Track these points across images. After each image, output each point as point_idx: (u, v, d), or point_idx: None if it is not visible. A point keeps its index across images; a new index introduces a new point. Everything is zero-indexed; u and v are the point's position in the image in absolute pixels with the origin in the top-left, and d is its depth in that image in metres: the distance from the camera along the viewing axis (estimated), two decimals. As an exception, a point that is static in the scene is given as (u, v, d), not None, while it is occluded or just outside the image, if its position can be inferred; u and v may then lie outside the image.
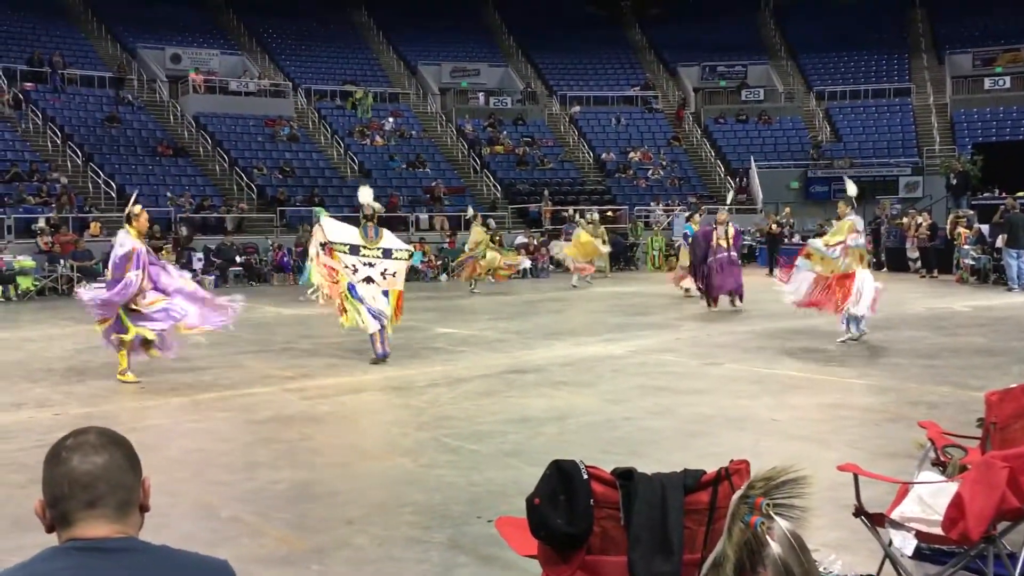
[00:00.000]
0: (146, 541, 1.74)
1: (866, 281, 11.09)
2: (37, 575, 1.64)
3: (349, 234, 10.36)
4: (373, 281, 10.20)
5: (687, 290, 17.12)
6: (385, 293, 10.29)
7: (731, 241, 15.39)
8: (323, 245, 10.33)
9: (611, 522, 2.50)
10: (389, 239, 10.56)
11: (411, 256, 11.04)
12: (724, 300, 15.36)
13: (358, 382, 9.14)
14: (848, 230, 11.24)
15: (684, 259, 17.38)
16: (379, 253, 10.28)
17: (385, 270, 10.29)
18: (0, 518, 5.09)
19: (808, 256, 11.46)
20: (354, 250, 10.23)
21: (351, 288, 10.10)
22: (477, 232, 20.00)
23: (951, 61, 36.83)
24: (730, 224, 15.65)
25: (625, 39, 42.29)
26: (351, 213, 27.16)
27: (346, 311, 10.09)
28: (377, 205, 10.95)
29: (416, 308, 16.72)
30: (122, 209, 23.81)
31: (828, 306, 11.25)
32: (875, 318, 12.90)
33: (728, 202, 16.28)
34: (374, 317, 10.03)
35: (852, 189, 11.96)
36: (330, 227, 10.47)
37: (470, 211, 22.14)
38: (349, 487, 5.56)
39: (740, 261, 15.49)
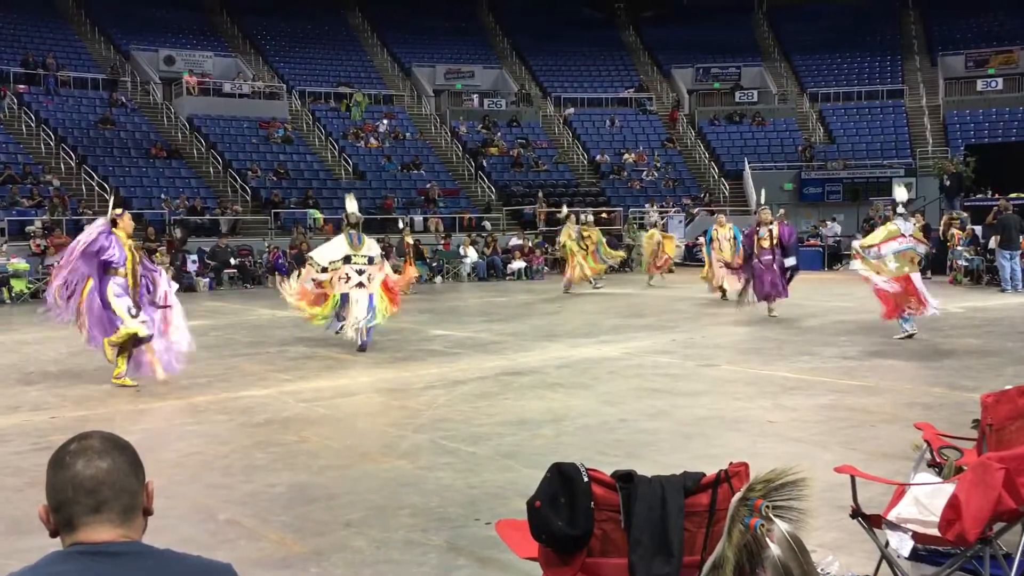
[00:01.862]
0: (150, 545, 1.75)
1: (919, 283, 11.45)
2: (43, 579, 1.65)
3: (340, 248, 11.44)
4: (364, 286, 11.27)
5: (723, 293, 16.80)
6: (371, 296, 11.28)
7: (775, 242, 14.23)
8: (316, 281, 11.39)
9: (611, 524, 2.52)
10: (371, 246, 11.70)
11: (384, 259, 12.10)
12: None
13: (355, 384, 9.14)
14: (886, 235, 11.36)
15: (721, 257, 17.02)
16: (365, 260, 11.41)
17: (370, 275, 11.39)
18: (-3, 522, 5.08)
19: (859, 259, 11.68)
20: (347, 259, 11.32)
21: (343, 298, 11.21)
22: (565, 232, 19.88)
23: (944, 63, 36.96)
24: (775, 224, 14.46)
25: (619, 41, 42.35)
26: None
27: (315, 316, 11.47)
28: (360, 215, 12.09)
29: (411, 310, 16.73)
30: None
31: (888, 304, 11.47)
32: (870, 319, 12.97)
33: (763, 201, 15.89)
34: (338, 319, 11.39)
35: (900, 195, 11.97)
36: (321, 254, 11.53)
37: (564, 210, 21.67)
38: (347, 490, 5.56)
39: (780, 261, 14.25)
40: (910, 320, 11.56)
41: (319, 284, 11.31)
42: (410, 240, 19.11)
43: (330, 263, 11.27)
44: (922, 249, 11.85)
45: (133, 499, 1.76)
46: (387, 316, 11.56)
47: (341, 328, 11.40)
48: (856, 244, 12.01)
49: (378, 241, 21.64)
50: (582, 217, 22.58)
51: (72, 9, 35.42)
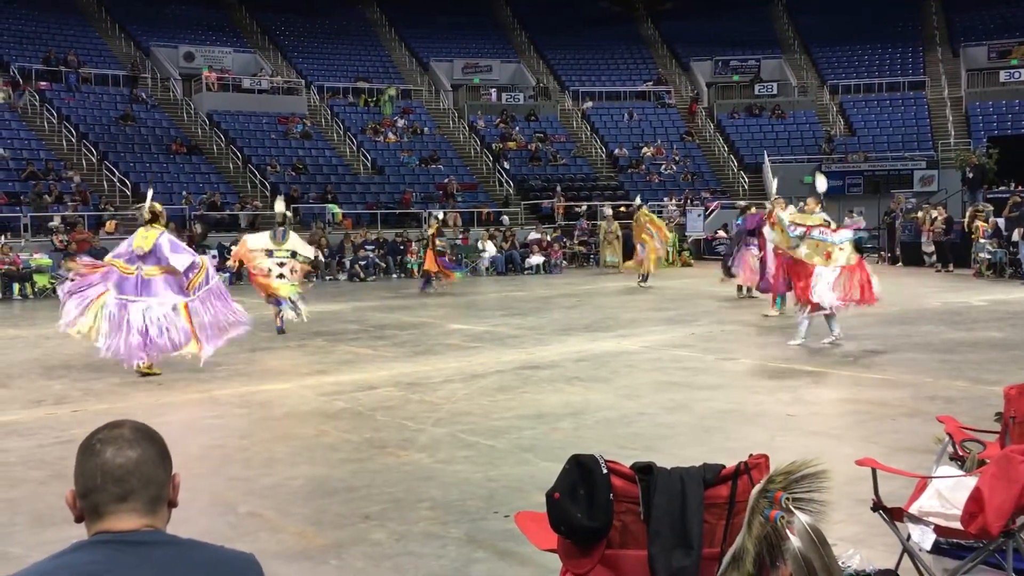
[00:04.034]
0: (173, 535, 1.76)
1: (820, 277, 10.51)
2: (66, 567, 1.66)
3: (264, 241, 12.82)
4: (284, 277, 12.61)
5: (741, 289, 16.24)
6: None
7: None
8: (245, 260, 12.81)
9: (631, 516, 2.52)
10: (294, 242, 12.93)
11: (307, 261, 13.30)
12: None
13: (373, 378, 9.17)
14: (818, 222, 10.65)
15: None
16: (287, 254, 12.67)
17: (292, 268, 12.62)
18: (21, 514, 5.13)
19: (772, 225, 11.16)
20: (269, 253, 12.63)
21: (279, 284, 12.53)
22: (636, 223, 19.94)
23: (966, 54, 36.58)
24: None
25: (637, 34, 42.19)
26: (364, 210, 27.35)
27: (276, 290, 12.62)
28: (289, 214, 13.71)
29: (429, 304, 16.77)
30: (137, 207, 23.91)
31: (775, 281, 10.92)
32: (891, 312, 12.87)
33: (774, 191, 15.47)
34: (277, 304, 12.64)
35: (822, 184, 11.26)
36: (252, 242, 12.92)
37: (637, 200, 21.53)
38: (366, 483, 5.58)
39: None
40: (806, 325, 10.73)
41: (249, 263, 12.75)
42: (432, 231, 19.13)
43: (251, 250, 12.70)
44: (838, 238, 10.52)
45: (160, 490, 1.77)
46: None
47: (282, 324, 12.58)
48: (784, 216, 10.92)
49: (397, 235, 21.68)
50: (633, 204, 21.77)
51: (93, 6, 35.66)
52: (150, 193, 10.53)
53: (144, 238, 9.54)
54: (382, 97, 33.84)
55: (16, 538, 4.75)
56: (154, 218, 9.70)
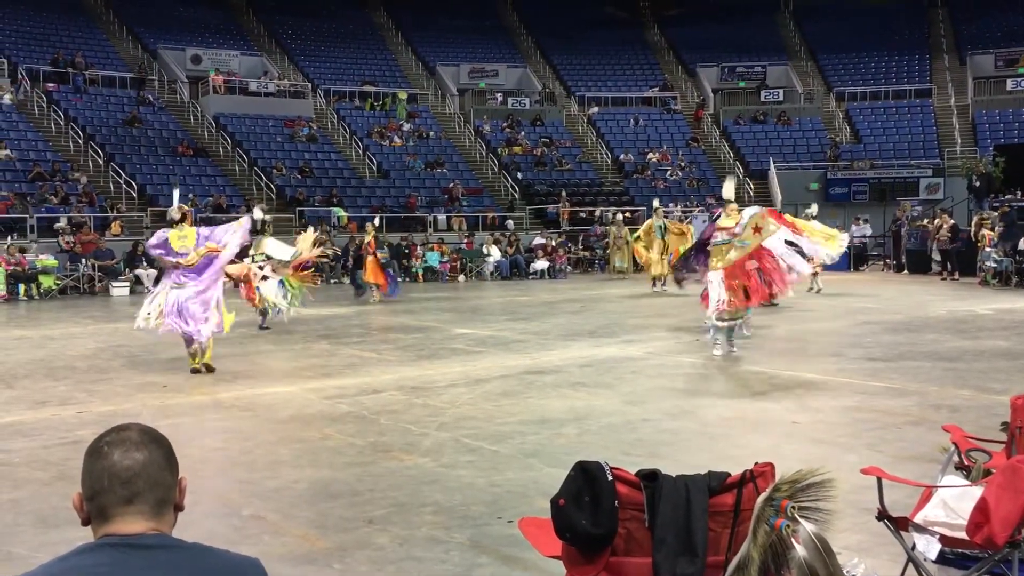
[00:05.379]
0: (179, 538, 1.76)
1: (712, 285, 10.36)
2: (73, 569, 1.66)
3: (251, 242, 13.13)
4: (267, 278, 13.25)
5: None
6: (281, 283, 13.28)
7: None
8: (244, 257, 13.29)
9: (636, 523, 2.51)
10: (271, 248, 13.57)
11: (284, 264, 13.66)
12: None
13: (377, 382, 9.17)
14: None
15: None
16: (263, 258, 13.43)
17: (273, 267, 13.35)
18: (25, 515, 5.14)
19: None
20: (252, 258, 13.39)
21: (258, 288, 13.20)
22: (645, 224, 20.07)
23: (973, 62, 36.56)
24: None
25: (644, 39, 42.23)
26: (369, 213, 27.34)
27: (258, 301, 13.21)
28: (267, 218, 14.19)
29: (434, 309, 16.79)
30: (143, 209, 23.99)
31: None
32: (896, 320, 12.86)
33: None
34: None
35: (727, 192, 10.82)
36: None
37: (656, 203, 21.47)
38: (370, 487, 5.58)
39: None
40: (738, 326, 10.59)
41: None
42: (367, 238, 18.34)
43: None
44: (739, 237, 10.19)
45: (166, 493, 1.78)
46: (298, 297, 13.50)
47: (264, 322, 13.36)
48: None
49: (402, 238, 21.45)
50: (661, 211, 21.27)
51: (100, 8, 35.80)
52: (176, 194, 11.18)
53: (182, 237, 9.83)
54: (388, 101, 33.91)
55: (20, 538, 4.76)
56: (183, 218, 9.94)
